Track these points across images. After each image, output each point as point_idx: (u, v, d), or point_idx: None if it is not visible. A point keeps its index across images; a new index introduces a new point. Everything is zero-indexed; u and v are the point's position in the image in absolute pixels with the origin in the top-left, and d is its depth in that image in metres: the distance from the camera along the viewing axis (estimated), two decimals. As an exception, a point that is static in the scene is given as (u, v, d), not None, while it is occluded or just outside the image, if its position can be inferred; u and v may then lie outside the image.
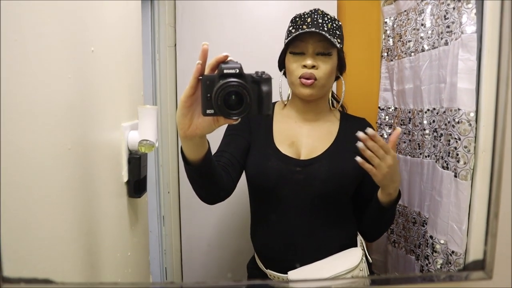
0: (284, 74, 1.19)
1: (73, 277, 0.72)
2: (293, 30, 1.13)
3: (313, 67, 1.10)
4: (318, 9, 1.14)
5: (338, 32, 1.12)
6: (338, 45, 1.10)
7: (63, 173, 0.69)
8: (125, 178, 1.00)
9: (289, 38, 1.11)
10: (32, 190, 0.59)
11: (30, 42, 0.59)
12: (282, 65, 1.19)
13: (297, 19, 1.14)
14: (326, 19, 1.11)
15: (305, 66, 1.10)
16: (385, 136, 1.62)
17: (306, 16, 1.13)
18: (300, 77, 1.11)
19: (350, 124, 1.21)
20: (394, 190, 1.09)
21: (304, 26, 1.10)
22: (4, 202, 0.51)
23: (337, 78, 1.21)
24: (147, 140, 1.00)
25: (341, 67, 1.18)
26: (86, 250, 0.79)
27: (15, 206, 0.55)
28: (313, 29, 1.08)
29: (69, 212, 0.71)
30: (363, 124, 1.23)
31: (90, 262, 0.80)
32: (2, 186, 0.51)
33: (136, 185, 1.02)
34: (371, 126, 1.24)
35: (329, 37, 1.08)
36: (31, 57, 0.59)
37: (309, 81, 1.10)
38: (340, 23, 1.15)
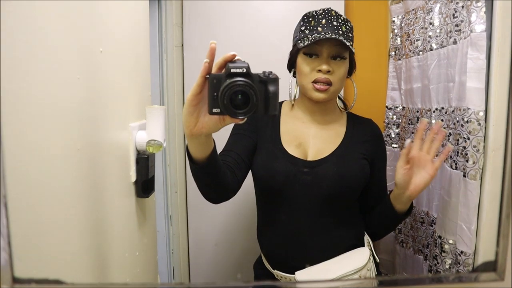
0: (293, 74, 1.18)
1: (82, 277, 0.72)
2: (306, 31, 1.11)
3: (328, 72, 1.09)
4: (331, 10, 1.13)
5: (350, 35, 1.12)
6: (353, 50, 1.10)
7: (73, 173, 0.69)
8: (133, 178, 1.00)
9: (306, 44, 1.09)
10: (42, 191, 0.60)
11: (39, 43, 0.60)
12: (292, 64, 1.18)
13: (310, 19, 1.12)
14: (340, 21, 1.10)
15: (320, 71, 1.09)
16: (393, 136, 1.61)
17: (320, 17, 1.11)
18: (314, 82, 1.10)
19: (357, 125, 1.21)
20: (407, 199, 1.12)
21: (319, 29, 1.09)
22: (14, 203, 0.51)
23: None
24: (155, 140, 1.00)
25: (351, 68, 1.18)
26: (95, 250, 0.79)
27: (25, 206, 0.55)
28: (329, 34, 1.07)
29: (78, 212, 0.72)
30: (370, 125, 1.23)
31: (99, 262, 0.81)
32: (12, 187, 0.51)
33: (144, 185, 1.02)
34: (377, 127, 1.24)
35: (346, 42, 1.07)
36: (40, 58, 0.60)
37: (324, 87, 1.10)
38: (351, 25, 1.14)
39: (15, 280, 0.50)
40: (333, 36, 1.07)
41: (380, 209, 1.19)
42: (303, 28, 1.13)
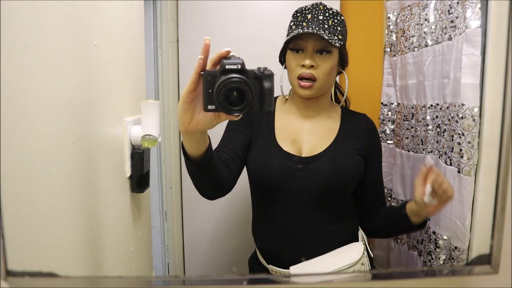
0: (285, 67, 1.18)
1: (76, 272, 0.72)
2: (293, 26, 1.11)
3: (311, 67, 1.09)
4: (320, 4, 1.12)
5: (339, 28, 1.11)
6: (337, 44, 1.08)
7: (67, 167, 0.69)
8: (128, 173, 1.00)
9: (288, 37, 1.10)
10: (36, 184, 0.59)
11: (33, 36, 0.59)
12: (283, 59, 1.18)
13: (298, 14, 1.12)
14: (327, 15, 1.10)
15: (304, 66, 1.09)
16: (388, 132, 1.62)
17: (307, 12, 1.11)
18: (299, 77, 1.10)
19: (351, 120, 1.21)
20: (427, 215, 1.11)
21: (304, 24, 1.09)
22: (8, 196, 0.51)
23: (339, 73, 1.20)
24: (150, 135, 0.99)
25: (343, 62, 1.17)
26: (90, 245, 0.79)
27: (19, 200, 0.55)
28: (311, 29, 1.07)
29: (72, 207, 0.71)
30: (364, 120, 1.23)
31: (93, 257, 0.80)
32: (6, 180, 0.51)
33: (139, 180, 1.02)
34: (372, 122, 1.24)
35: (327, 37, 1.06)
36: (33, 50, 0.59)
37: (307, 84, 1.09)
38: (342, 18, 1.13)
39: (9, 273, 0.50)
40: (311, 31, 1.06)
41: (394, 219, 1.18)
42: (291, 23, 1.13)
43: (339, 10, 1.14)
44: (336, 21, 1.10)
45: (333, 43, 1.07)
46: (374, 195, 1.21)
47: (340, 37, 1.10)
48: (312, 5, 1.12)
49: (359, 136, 1.18)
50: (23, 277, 0.52)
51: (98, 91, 0.83)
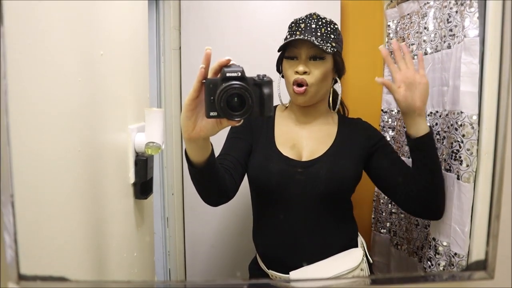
0: (283, 77, 1.20)
1: (81, 276, 0.73)
2: (288, 36, 1.15)
3: (304, 73, 1.11)
4: (314, 13, 1.15)
5: (332, 36, 1.13)
6: (329, 50, 1.10)
7: (73, 174, 0.70)
8: (132, 180, 1.01)
9: (281, 44, 1.14)
10: (45, 191, 0.61)
11: (43, 46, 0.61)
12: (280, 68, 1.21)
13: (293, 24, 1.16)
14: (320, 23, 1.12)
15: (297, 72, 1.12)
16: (388, 139, 1.63)
17: (301, 21, 1.14)
18: (293, 84, 1.13)
19: (348, 126, 1.23)
20: (419, 116, 1.07)
21: (298, 32, 1.12)
22: (19, 203, 0.52)
23: (336, 82, 1.22)
24: (153, 142, 1.01)
25: (338, 70, 1.19)
26: (94, 250, 0.80)
27: (29, 206, 0.56)
28: (303, 37, 1.09)
29: (78, 213, 0.73)
30: (359, 124, 1.25)
31: (98, 262, 0.82)
32: (17, 187, 0.52)
33: (143, 187, 1.03)
34: (367, 125, 1.25)
35: (317, 43, 1.08)
36: (42, 61, 0.61)
37: (301, 89, 1.12)
38: (336, 27, 1.15)
39: (21, 277, 0.51)
40: (301, 37, 1.09)
41: (411, 153, 1.13)
42: (287, 34, 1.17)
43: (333, 20, 1.16)
44: (329, 29, 1.12)
45: (324, 49, 1.09)
46: (400, 172, 1.16)
47: (333, 44, 1.12)
48: (306, 15, 1.15)
49: (356, 139, 1.20)
50: (35, 281, 0.53)
51: (103, 99, 0.85)
